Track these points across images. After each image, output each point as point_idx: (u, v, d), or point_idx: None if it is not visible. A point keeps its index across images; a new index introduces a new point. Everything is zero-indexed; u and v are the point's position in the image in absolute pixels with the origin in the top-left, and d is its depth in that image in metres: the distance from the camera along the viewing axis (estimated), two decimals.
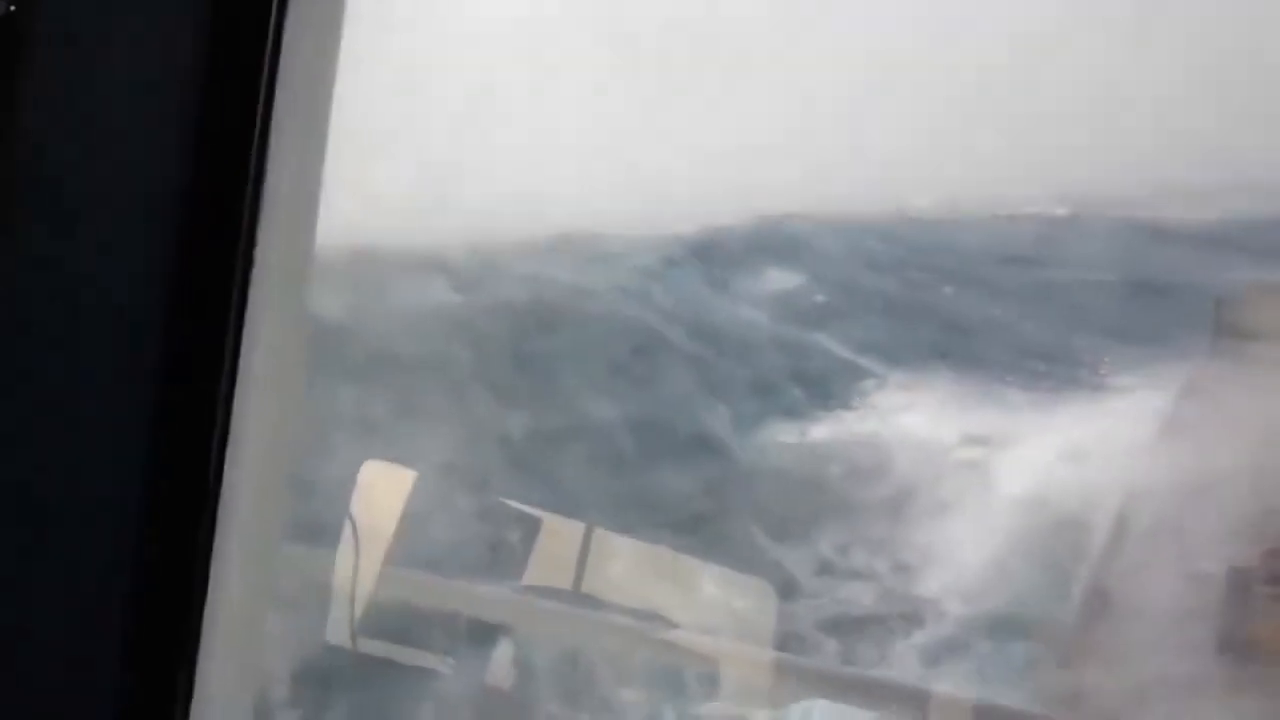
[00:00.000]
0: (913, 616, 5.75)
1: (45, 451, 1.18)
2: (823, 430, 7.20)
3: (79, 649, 1.18)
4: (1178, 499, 4.26)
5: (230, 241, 1.23)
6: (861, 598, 5.89)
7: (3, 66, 1.17)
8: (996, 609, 5.71)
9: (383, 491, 3.22)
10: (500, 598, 3.69)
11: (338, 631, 3.04)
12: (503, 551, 4.14)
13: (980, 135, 9.55)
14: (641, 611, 3.52)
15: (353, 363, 5.51)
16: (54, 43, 1.17)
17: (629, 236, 8.57)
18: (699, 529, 6.14)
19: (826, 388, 7.49)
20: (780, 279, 8.55)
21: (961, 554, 6.01)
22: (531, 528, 3.71)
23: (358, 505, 3.12)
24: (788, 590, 5.61)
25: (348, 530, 3.04)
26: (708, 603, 3.81)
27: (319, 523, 3.10)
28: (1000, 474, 6.60)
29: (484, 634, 3.71)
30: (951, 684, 5.23)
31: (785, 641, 4.62)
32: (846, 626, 5.69)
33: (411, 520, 3.26)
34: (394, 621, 3.35)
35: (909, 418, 7.17)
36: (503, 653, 3.71)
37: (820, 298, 8.40)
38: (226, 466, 1.25)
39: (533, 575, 3.59)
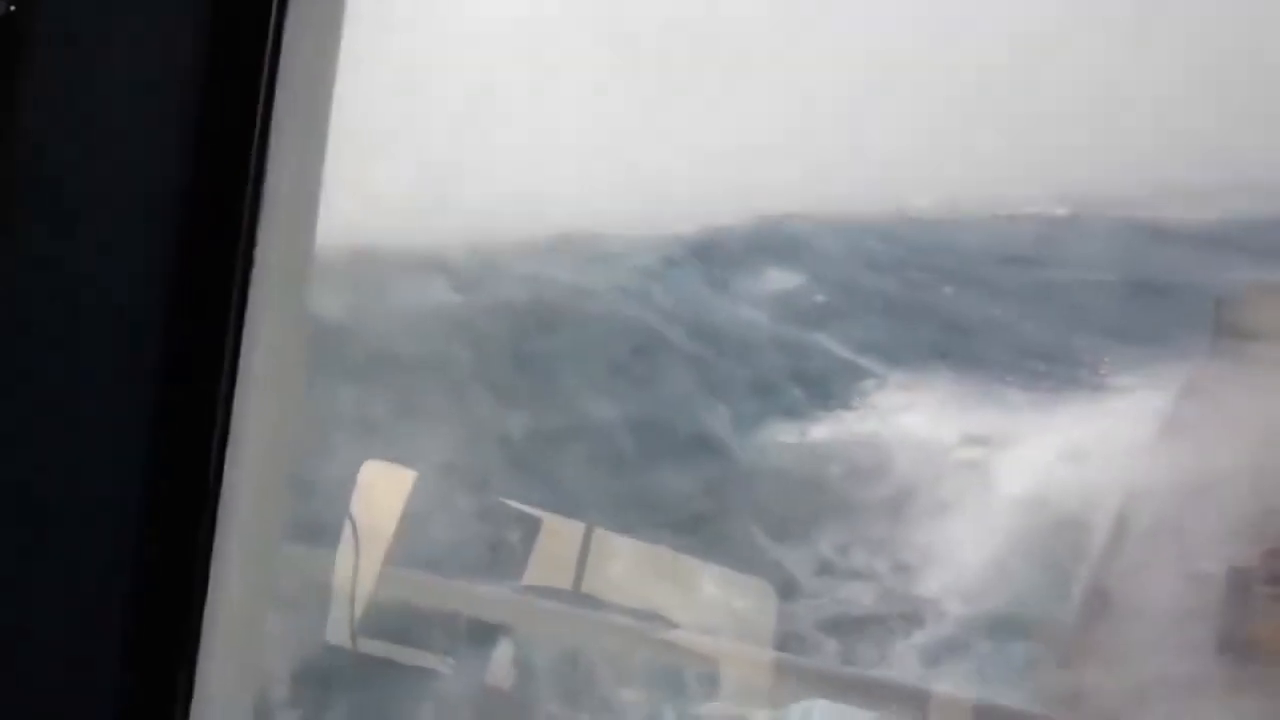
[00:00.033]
0: (913, 616, 5.74)
1: (45, 451, 1.17)
2: (823, 430, 7.20)
3: (79, 649, 1.18)
4: (1178, 499, 4.26)
5: (230, 241, 1.23)
6: (861, 598, 5.89)
7: (3, 66, 1.16)
8: (996, 609, 5.71)
9: (383, 491, 3.22)
10: (500, 598, 3.69)
11: (338, 631, 3.04)
12: (503, 551, 4.14)
13: (980, 135, 9.54)
14: (641, 611, 3.52)
15: (353, 363, 5.50)
16: (54, 42, 1.16)
17: (629, 236, 8.57)
18: (699, 529, 6.13)
19: (826, 388, 7.49)
20: (780, 279, 8.54)
21: (961, 554, 6.01)
22: (531, 528, 3.71)
23: (358, 505, 3.12)
24: (788, 590, 5.60)
25: (348, 530, 3.04)
26: (708, 603, 3.80)
27: (319, 523, 3.10)
28: (1000, 474, 6.59)
29: (484, 634, 3.71)
30: (951, 684, 5.23)
31: (785, 641, 4.62)
32: (846, 626, 5.68)
33: (411, 520, 3.26)
34: (394, 621, 3.35)
35: (909, 418, 7.17)
36: (503, 653, 3.71)
37: (820, 298, 8.39)
38: (226, 466, 1.25)
39: (533, 575, 3.58)
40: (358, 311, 6.09)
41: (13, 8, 1.16)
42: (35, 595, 1.17)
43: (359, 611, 3.04)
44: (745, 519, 6.23)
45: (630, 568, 3.74)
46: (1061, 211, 9.34)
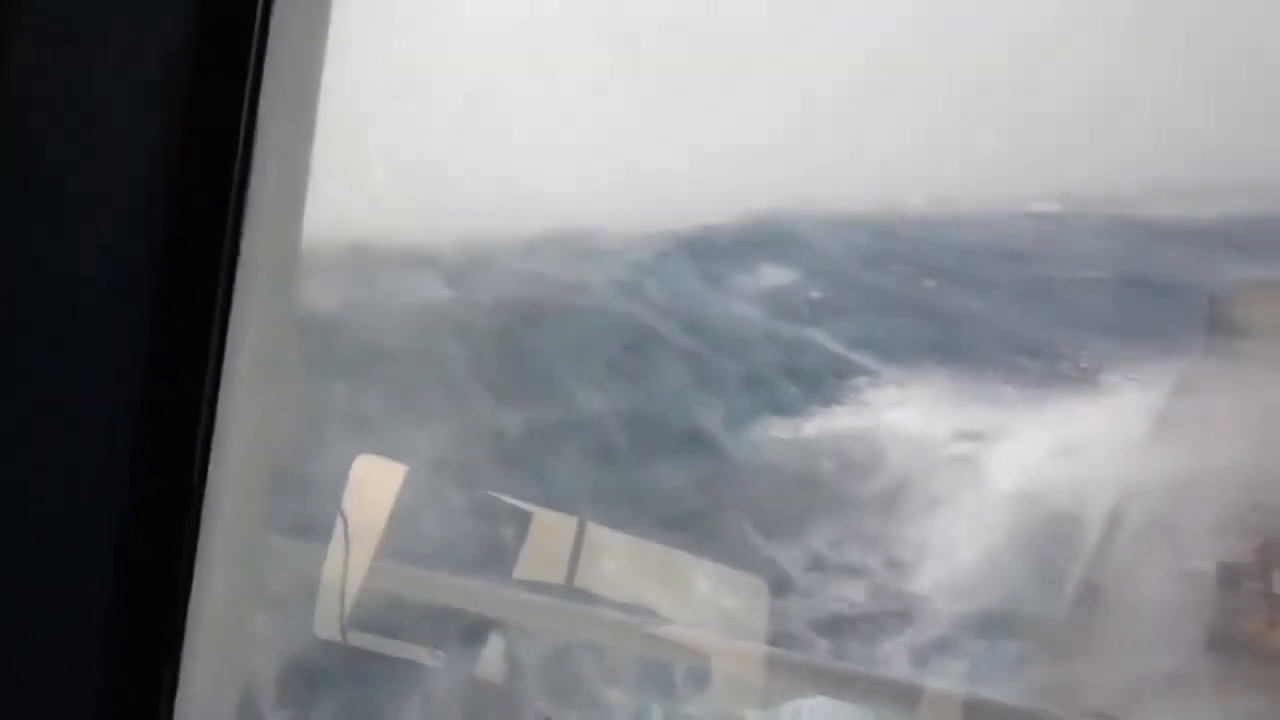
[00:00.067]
0: (905, 613, 5.75)
1: (30, 449, 1.18)
2: (816, 426, 7.19)
3: (64, 647, 1.19)
4: (1170, 495, 4.27)
5: (215, 236, 1.23)
6: (854, 594, 5.89)
7: None
8: (988, 605, 5.71)
9: (374, 486, 3.22)
10: (493, 593, 3.69)
11: (328, 627, 3.04)
12: (495, 547, 4.14)
13: (978, 133, 9.52)
14: (634, 607, 3.53)
15: (344, 357, 5.49)
16: (40, 34, 1.16)
17: (624, 233, 8.56)
18: (692, 525, 6.13)
19: (820, 383, 7.48)
20: (775, 275, 8.53)
21: (953, 550, 6.01)
22: (524, 523, 3.71)
23: (349, 500, 3.12)
24: (780, 586, 5.61)
25: (339, 525, 3.05)
26: (700, 599, 3.81)
27: (311, 518, 3.11)
28: (992, 470, 6.59)
29: (477, 629, 3.72)
30: (944, 680, 5.23)
31: (777, 638, 4.62)
32: (839, 623, 5.69)
33: (403, 515, 3.26)
34: (385, 616, 3.36)
35: (902, 413, 7.17)
36: (494, 648, 3.72)
37: (815, 294, 8.38)
38: (211, 465, 1.25)
39: (525, 570, 3.59)
40: (350, 307, 6.09)
41: None
42: (19, 593, 1.17)
43: (349, 607, 3.04)
44: (738, 515, 6.23)
45: (623, 563, 3.75)
46: (1059, 209, 9.32)
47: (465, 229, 7.70)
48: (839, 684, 3.57)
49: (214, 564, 1.24)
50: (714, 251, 8.66)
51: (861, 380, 7.50)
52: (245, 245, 1.22)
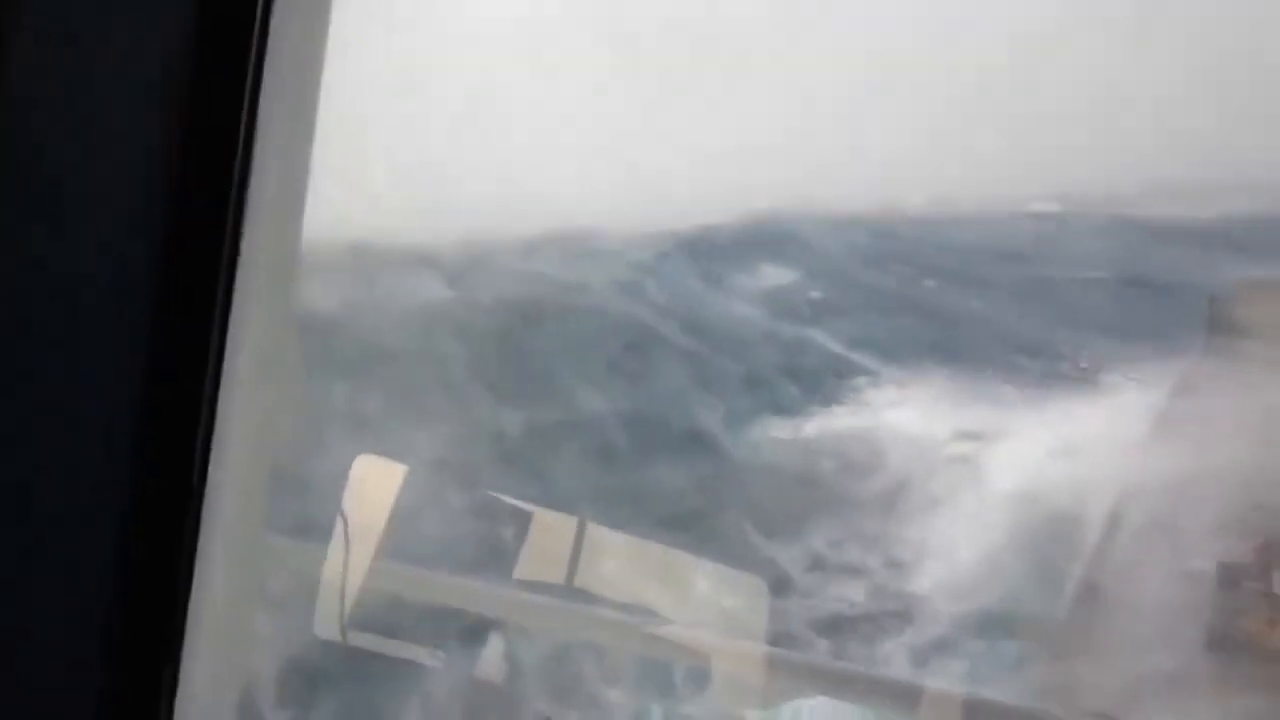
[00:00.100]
0: (905, 613, 5.75)
1: (30, 449, 1.17)
2: (816, 426, 7.20)
3: (64, 647, 1.18)
4: (1170, 495, 4.27)
5: (215, 236, 1.22)
6: (854, 594, 5.89)
7: None
8: (988, 605, 5.72)
9: (375, 486, 3.22)
10: (493, 593, 3.69)
11: (328, 627, 3.04)
12: (495, 547, 4.14)
13: (978, 133, 9.52)
14: (634, 607, 3.53)
15: (345, 357, 5.50)
16: (40, 34, 1.15)
17: (624, 233, 8.56)
18: (692, 525, 6.13)
19: (820, 383, 7.49)
20: (775, 275, 8.54)
21: (953, 550, 6.02)
22: (524, 523, 3.71)
23: (350, 500, 3.12)
24: (780, 586, 5.61)
25: (339, 525, 3.05)
26: (700, 599, 3.81)
27: (310, 518, 3.11)
28: (992, 470, 6.60)
29: (477, 629, 3.72)
30: (944, 680, 5.23)
31: (777, 638, 4.62)
32: (839, 623, 5.69)
33: (403, 515, 3.26)
34: (385, 616, 3.36)
35: (902, 413, 7.17)
36: (494, 648, 3.72)
37: (815, 294, 8.38)
38: (211, 465, 1.25)
39: (525, 570, 3.59)
40: (350, 306, 6.09)
41: None
42: (20, 593, 1.17)
43: (350, 606, 3.04)
44: (738, 515, 6.23)
45: (623, 563, 3.74)
46: (1059, 209, 9.32)
47: (465, 229, 7.70)
48: (839, 684, 3.57)
49: (214, 564, 1.24)
50: (714, 251, 8.66)
51: (861, 380, 7.51)
52: (245, 245, 1.22)
